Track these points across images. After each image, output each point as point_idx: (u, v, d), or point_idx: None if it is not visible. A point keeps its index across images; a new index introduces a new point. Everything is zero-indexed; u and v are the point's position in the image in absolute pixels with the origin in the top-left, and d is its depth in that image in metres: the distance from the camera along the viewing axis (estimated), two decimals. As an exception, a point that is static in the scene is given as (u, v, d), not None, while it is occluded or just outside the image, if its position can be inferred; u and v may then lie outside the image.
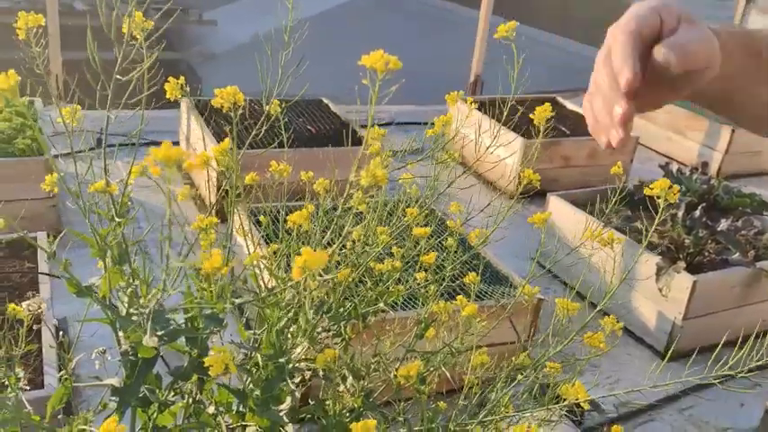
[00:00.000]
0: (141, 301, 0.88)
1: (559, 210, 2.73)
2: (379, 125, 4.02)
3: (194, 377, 0.96)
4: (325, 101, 3.52)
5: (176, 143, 3.22)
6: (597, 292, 2.72)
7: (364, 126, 4.11)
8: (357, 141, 3.05)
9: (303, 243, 1.10)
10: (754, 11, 5.11)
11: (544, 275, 2.89)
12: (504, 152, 3.37)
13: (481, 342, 2.00)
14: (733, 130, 3.83)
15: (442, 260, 1.35)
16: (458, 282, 1.48)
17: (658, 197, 0.97)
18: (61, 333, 1.89)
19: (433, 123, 1.37)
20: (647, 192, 0.97)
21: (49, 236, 2.01)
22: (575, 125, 3.68)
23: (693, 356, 2.25)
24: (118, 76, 0.90)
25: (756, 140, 3.98)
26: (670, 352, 1.96)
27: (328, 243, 1.06)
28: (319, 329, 1.07)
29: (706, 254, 2.35)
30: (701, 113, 4.02)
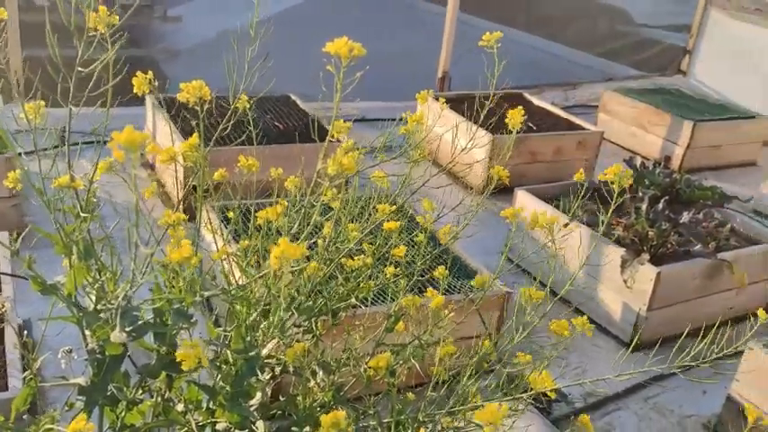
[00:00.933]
0: (109, 296, 0.87)
1: (527, 204, 2.76)
2: (349, 121, 3.99)
3: (163, 374, 0.96)
4: (293, 97, 3.51)
5: (142, 140, 3.17)
6: (563, 285, 2.77)
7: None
8: (325, 137, 3.04)
9: (274, 239, 1.10)
10: (714, 8, 5.23)
11: (513, 270, 2.94)
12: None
13: (451, 336, 2.02)
14: (694, 125, 3.91)
15: (413, 256, 1.36)
16: (427, 276, 1.49)
17: (612, 183, 1.00)
18: (25, 333, 1.85)
19: (401, 119, 1.38)
20: (600, 177, 0.99)
21: (11, 235, 1.97)
22: (541, 121, 3.73)
23: (657, 346, 2.31)
24: (80, 68, 0.88)
25: (716, 135, 4.08)
26: (633, 342, 2.01)
27: (297, 239, 1.06)
28: (290, 325, 1.07)
29: (669, 246, 2.40)
30: (664, 109, 4.11)
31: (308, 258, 1.07)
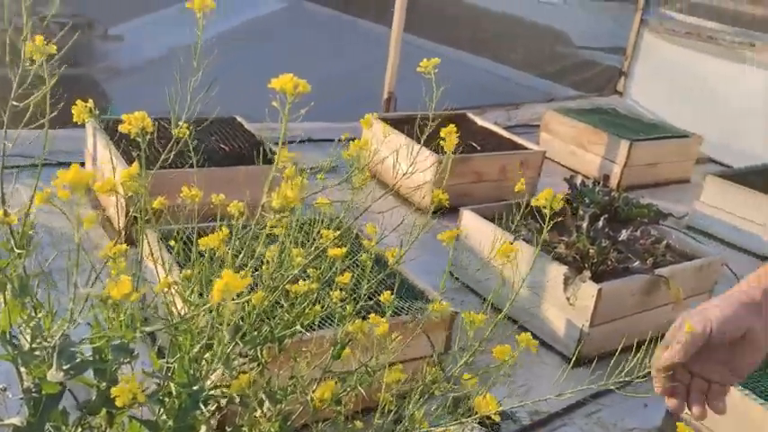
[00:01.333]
0: (45, 334, 0.85)
1: (472, 224, 2.81)
2: (294, 142, 4.00)
3: (103, 411, 0.94)
4: (239, 119, 3.49)
5: (83, 164, 3.10)
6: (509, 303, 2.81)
7: (275, 144, 4.05)
8: (271, 160, 3.03)
9: (217, 266, 1.09)
10: (647, 31, 5.46)
11: (460, 289, 2.98)
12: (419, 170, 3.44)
13: (398, 358, 2.03)
14: (630, 145, 4.06)
15: (358, 278, 1.37)
16: (374, 300, 1.50)
17: (544, 207, 1.03)
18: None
19: (350, 140, 1.40)
20: (534, 203, 1.03)
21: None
22: (485, 141, 3.80)
23: (599, 362, 2.36)
24: (14, 103, 0.86)
25: (652, 153, 4.24)
26: (575, 358, 2.06)
27: (242, 266, 1.06)
28: (235, 355, 1.06)
29: (609, 263, 2.48)
30: (602, 129, 4.25)
31: (254, 286, 1.06)
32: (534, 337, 2.68)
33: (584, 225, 2.55)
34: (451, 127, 1.18)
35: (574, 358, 2.03)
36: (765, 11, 4.87)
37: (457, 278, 2.89)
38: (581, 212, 2.64)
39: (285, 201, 0.76)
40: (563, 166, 4.39)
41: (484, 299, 2.80)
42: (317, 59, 6.84)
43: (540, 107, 5.07)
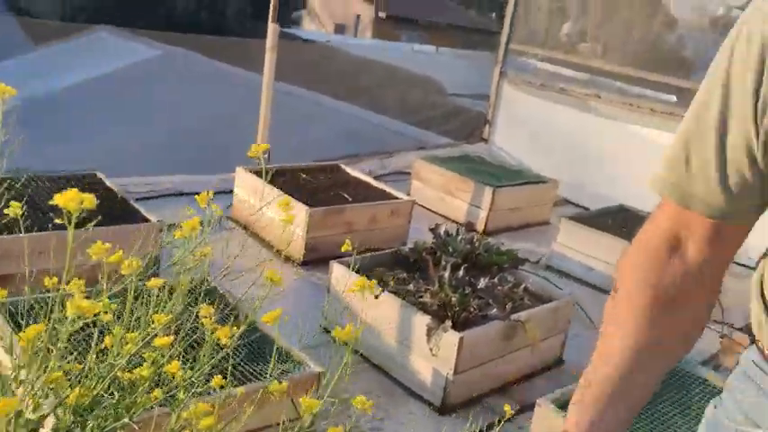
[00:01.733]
0: None
1: (342, 276, 2.84)
2: (163, 196, 3.90)
3: None
4: (99, 174, 3.35)
5: None
6: (378, 355, 2.85)
7: (143, 198, 3.91)
8: (132, 217, 2.94)
9: (43, 358, 1.03)
10: (506, 82, 5.83)
11: (331, 343, 2.98)
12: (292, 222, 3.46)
13: (260, 423, 1.98)
14: (494, 191, 4.28)
15: (213, 347, 1.34)
16: (232, 364, 1.48)
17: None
18: None
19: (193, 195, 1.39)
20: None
21: None
22: (356, 192, 3.88)
23: (466, 407, 2.42)
24: None
25: (514, 198, 4.49)
26: (440, 405, 2.10)
27: (72, 351, 1.01)
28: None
29: (471, 310, 2.58)
30: (468, 176, 4.45)
31: (83, 376, 1.02)
32: (403, 387, 2.72)
33: (446, 274, 2.64)
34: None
35: (440, 405, 2.08)
36: (611, 66, 5.34)
37: (328, 332, 2.89)
38: (443, 262, 2.74)
39: (78, 310, 0.74)
40: (433, 212, 4.55)
41: (356, 351, 2.81)
42: (189, 108, 6.74)
43: (412, 155, 5.24)
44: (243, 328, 1.30)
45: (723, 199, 0.85)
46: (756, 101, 0.78)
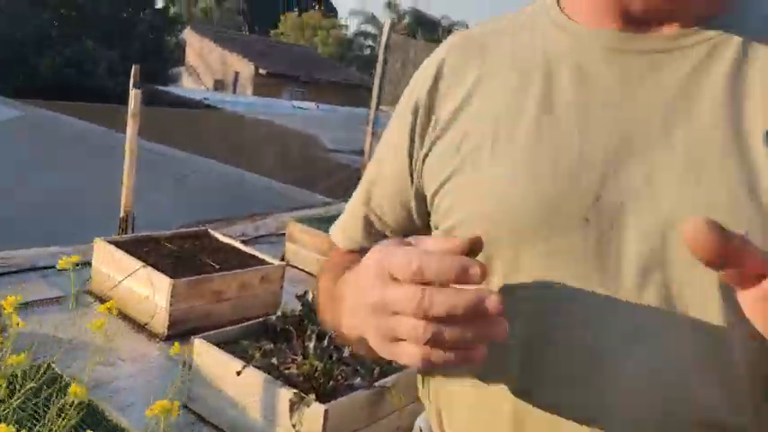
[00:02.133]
0: None
1: (205, 352, 2.73)
2: (15, 272, 3.61)
3: None
4: (-65, 255, 3.08)
5: None
6: (243, 431, 2.72)
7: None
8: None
9: None
10: (377, 140, 5.97)
11: (195, 423, 2.85)
12: (152, 293, 3.31)
13: None
14: (367, 251, 4.32)
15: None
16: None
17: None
18: None
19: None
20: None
21: None
22: (225, 259, 3.79)
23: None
24: None
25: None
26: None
27: None
28: None
29: (338, 380, 2.55)
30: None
31: None
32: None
33: (311, 345, 2.61)
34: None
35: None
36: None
37: (191, 411, 2.76)
38: (309, 332, 2.71)
39: None
40: (309, 273, 4.52)
41: (219, 428, 2.70)
42: (47, 174, 6.39)
43: (286, 216, 5.22)
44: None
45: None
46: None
